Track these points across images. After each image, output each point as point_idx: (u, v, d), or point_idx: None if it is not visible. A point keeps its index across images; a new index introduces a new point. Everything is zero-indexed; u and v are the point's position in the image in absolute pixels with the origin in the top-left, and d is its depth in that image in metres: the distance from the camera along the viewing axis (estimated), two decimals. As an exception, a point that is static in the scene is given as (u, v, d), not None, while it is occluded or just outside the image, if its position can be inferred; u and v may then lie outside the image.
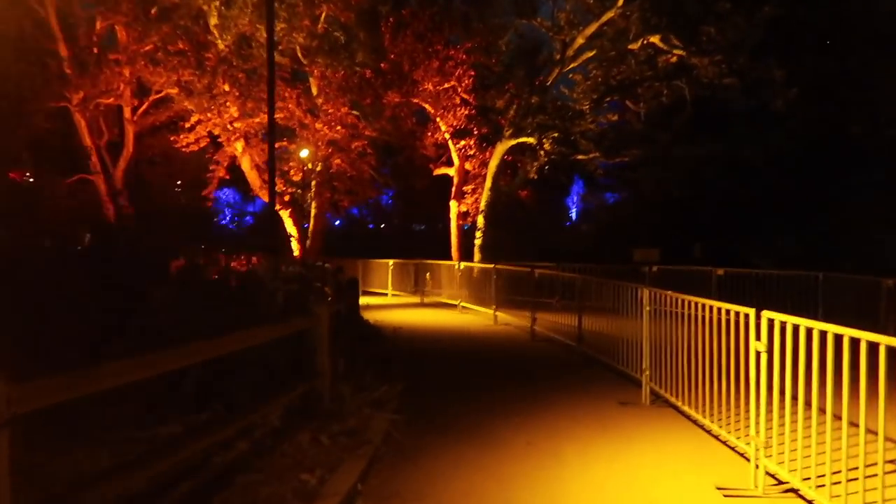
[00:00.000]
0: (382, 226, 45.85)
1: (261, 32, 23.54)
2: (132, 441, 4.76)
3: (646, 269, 15.47)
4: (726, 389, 5.60)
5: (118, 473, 3.82)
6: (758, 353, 4.90)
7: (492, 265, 14.05)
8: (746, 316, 5.01)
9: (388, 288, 19.32)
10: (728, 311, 5.44)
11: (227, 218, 57.65)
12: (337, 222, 62.52)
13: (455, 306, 15.89)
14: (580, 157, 20.90)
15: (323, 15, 26.24)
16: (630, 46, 20.20)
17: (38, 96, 28.15)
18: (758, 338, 4.85)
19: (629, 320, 7.79)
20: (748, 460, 5.05)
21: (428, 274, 17.90)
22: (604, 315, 9.29)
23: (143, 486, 4.09)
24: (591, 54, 20.98)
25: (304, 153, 23.30)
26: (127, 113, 30.77)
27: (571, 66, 21.31)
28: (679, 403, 6.49)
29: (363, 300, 18.77)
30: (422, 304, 17.47)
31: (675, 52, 19.60)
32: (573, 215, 60.05)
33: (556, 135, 20.45)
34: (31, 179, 33.40)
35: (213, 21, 23.77)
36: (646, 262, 16.33)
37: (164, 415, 4.97)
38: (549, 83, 20.57)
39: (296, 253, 32.13)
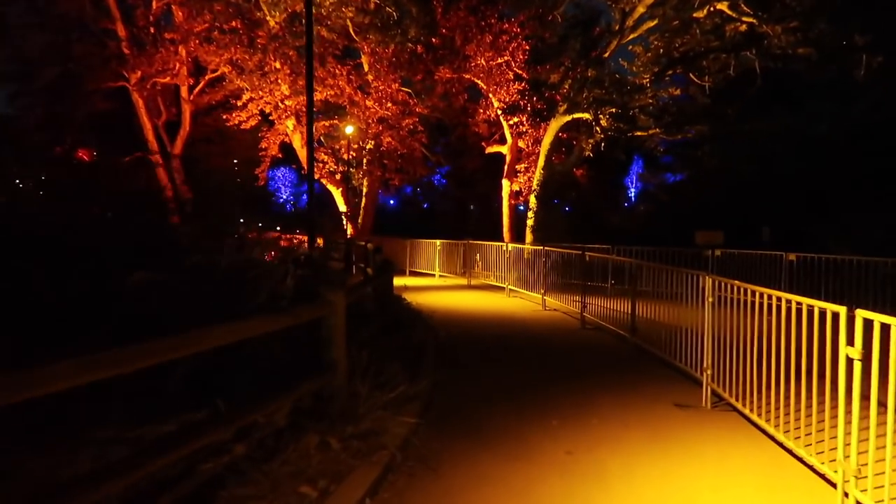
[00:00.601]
0: (434, 205, 45.22)
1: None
2: (119, 442, 4.25)
3: (708, 254, 14.30)
4: (805, 398, 4.71)
5: (89, 482, 3.28)
6: (849, 360, 4.00)
7: (541, 247, 13.21)
8: (835, 315, 4.11)
9: (435, 269, 18.67)
10: (811, 309, 4.54)
11: (284, 197, 58.24)
12: (391, 201, 62.36)
13: (503, 289, 15.12)
14: (639, 133, 19.64)
15: (375, -10, 25.57)
16: (695, 14, 18.78)
17: (97, 76, 28.56)
18: (850, 342, 3.95)
19: (689, 311, 6.88)
20: (834, 486, 4.19)
21: (477, 255, 17.14)
22: (660, 303, 8.36)
23: (117, 496, 3.56)
24: (652, 24, 19.61)
25: (350, 129, 22.75)
26: (184, 92, 30.98)
27: (631, 37, 20.00)
28: (745, 410, 5.60)
29: (409, 281, 18.22)
30: (469, 287, 16.76)
31: (745, 19, 18.08)
32: (631, 195, 58.08)
33: (613, 110, 19.26)
34: (97, 158, 34.20)
35: (263, -4, 23.30)
36: (709, 246, 15.14)
37: (159, 412, 4.44)
38: (606, 55, 19.34)
39: (348, 232, 31.93)
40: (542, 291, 12.86)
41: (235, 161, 37.42)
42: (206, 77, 30.70)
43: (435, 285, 17.29)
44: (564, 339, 9.78)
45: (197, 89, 31.45)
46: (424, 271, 19.42)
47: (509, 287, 14.79)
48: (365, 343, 6.98)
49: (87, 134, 34.30)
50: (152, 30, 28.05)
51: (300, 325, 4.92)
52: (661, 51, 20.23)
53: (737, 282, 5.85)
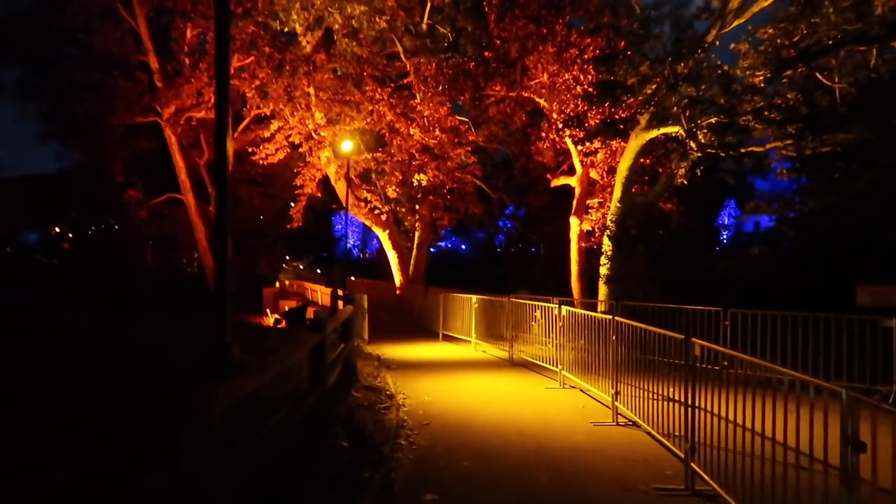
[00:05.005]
0: (504, 250, 39.84)
1: (334, 17, 18.75)
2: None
3: (892, 324, 8.38)
4: None
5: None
6: None
7: (610, 315, 7.81)
8: None
9: (471, 334, 13.37)
10: None
11: (351, 242, 54.57)
12: (463, 246, 57.39)
13: (555, 374, 9.65)
14: (754, 149, 13.82)
15: (428, 8, 21.22)
16: (831, -15, 13.02)
17: (130, 110, 25.58)
18: None
19: None
20: None
21: (535, 316, 11.67)
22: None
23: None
24: (766, 3, 13.92)
25: (348, 146, 18.04)
26: (226, 129, 27.64)
27: (735, 23, 14.31)
28: None
29: (436, 351, 13.01)
30: (510, 365, 11.31)
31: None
32: (724, 234, 50.64)
33: (713, 119, 13.63)
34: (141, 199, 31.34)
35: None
36: (881, 307, 9.23)
37: None
38: (706, 44, 13.73)
39: (397, 281, 27.18)
40: (613, 389, 7.34)
41: (293, 204, 33.87)
42: (252, 113, 27.26)
43: (463, 360, 11.92)
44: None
45: (241, 126, 28.02)
46: (459, 336, 14.10)
47: (563, 372, 9.30)
48: None
49: (133, 175, 31.69)
50: (187, 60, 24.81)
51: None
52: (779, 41, 14.36)
53: None
